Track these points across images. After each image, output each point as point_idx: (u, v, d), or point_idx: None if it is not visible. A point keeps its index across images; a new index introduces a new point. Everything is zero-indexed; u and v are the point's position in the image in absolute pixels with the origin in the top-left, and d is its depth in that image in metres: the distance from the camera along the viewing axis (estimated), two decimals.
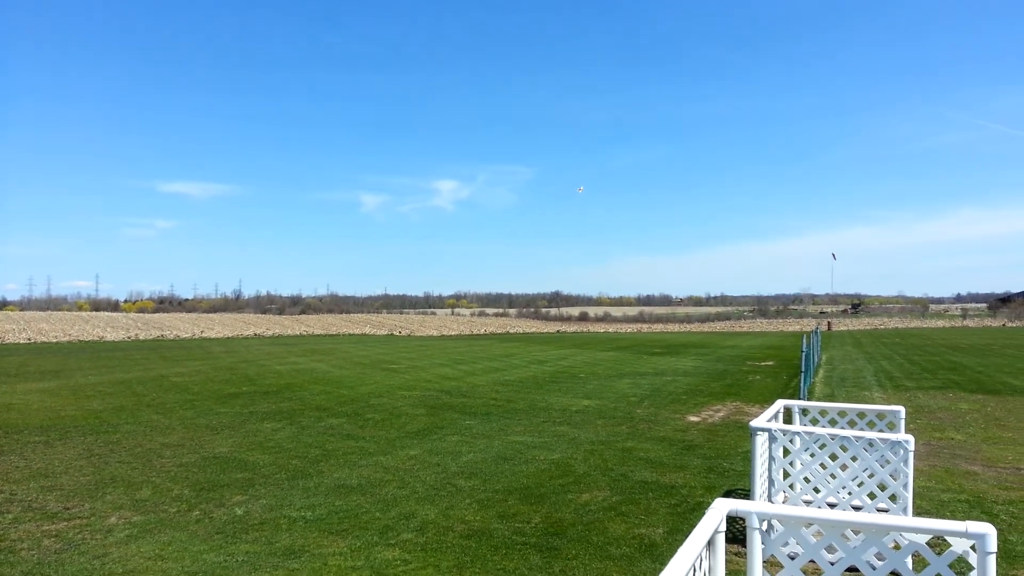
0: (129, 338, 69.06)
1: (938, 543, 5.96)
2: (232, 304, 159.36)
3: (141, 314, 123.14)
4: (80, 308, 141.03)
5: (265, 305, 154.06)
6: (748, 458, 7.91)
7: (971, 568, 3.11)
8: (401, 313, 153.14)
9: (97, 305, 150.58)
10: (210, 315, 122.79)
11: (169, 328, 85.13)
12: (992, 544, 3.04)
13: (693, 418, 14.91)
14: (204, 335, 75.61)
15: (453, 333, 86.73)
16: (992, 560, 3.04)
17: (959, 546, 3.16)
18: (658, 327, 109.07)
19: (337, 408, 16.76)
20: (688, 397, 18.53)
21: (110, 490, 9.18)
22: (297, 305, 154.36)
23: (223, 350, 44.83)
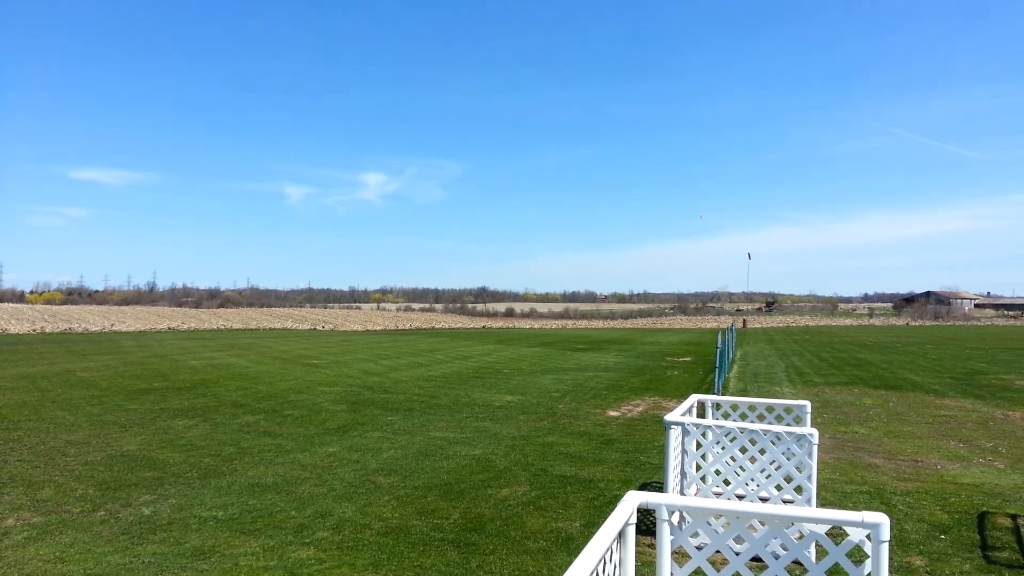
0: (34, 331, 65.67)
1: (838, 533, 6.22)
2: (145, 296, 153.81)
3: (48, 306, 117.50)
4: None
5: (181, 298, 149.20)
6: (664, 452, 8.08)
7: (866, 556, 3.24)
8: (325, 307, 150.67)
9: (1, 296, 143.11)
10: (122, 308, 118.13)
11: (78, 321, 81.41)
12: (885, 533, 3.18)
13: (613, 413, 15.15)
14: (115, 328, 72.56)
15: (378, 328, 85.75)
16: (885, 548, 3.18)
17: (856, 535, 3.29)
18: (583, 323, 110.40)
19: (254, 405, 16.34)
20: (609, 392, 18.81)
21: (8, 490, 8.71)
22: (215, 298, 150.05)
23: (135, 344, 43.14)
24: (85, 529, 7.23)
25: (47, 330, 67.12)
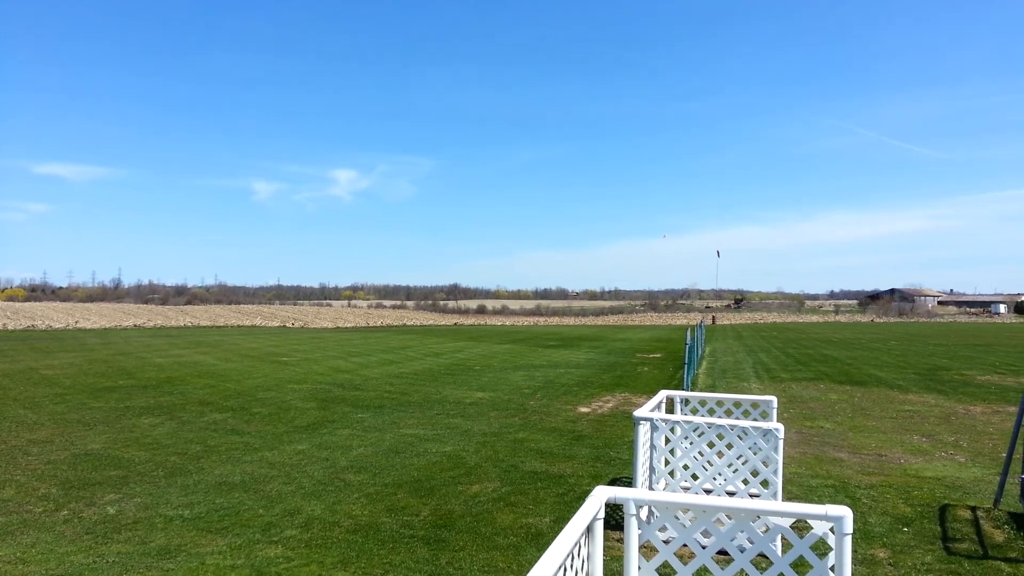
0: None
1: (803, 526, 6.32)
2: (111, 293, 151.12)
3: (10, 303, 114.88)
4: None
5: (147, 295, 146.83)
6: (633, 447, 8.13)
7: (830, 549, 3.28)
8: (295, 304, 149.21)
9: None
10: (86, 304, 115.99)
11: (41, 318, 79.78)
12: (848, 526, 3.22)
13: (583, 409, 15.21)
14: (79, 326, 71.22)
15: (349, 325, 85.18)
16: (848, 540, 3.22)
17: (819, 528, 3.33)
18: (554, 320, 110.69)
19: (222, 402, 16.15)
20: (579, 388, 18.89)
21: None
22: (182, 295, 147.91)
23: (99, 342, 42.40)
24: (48, 529, 7.10)
25: (9, 327, 65.68)
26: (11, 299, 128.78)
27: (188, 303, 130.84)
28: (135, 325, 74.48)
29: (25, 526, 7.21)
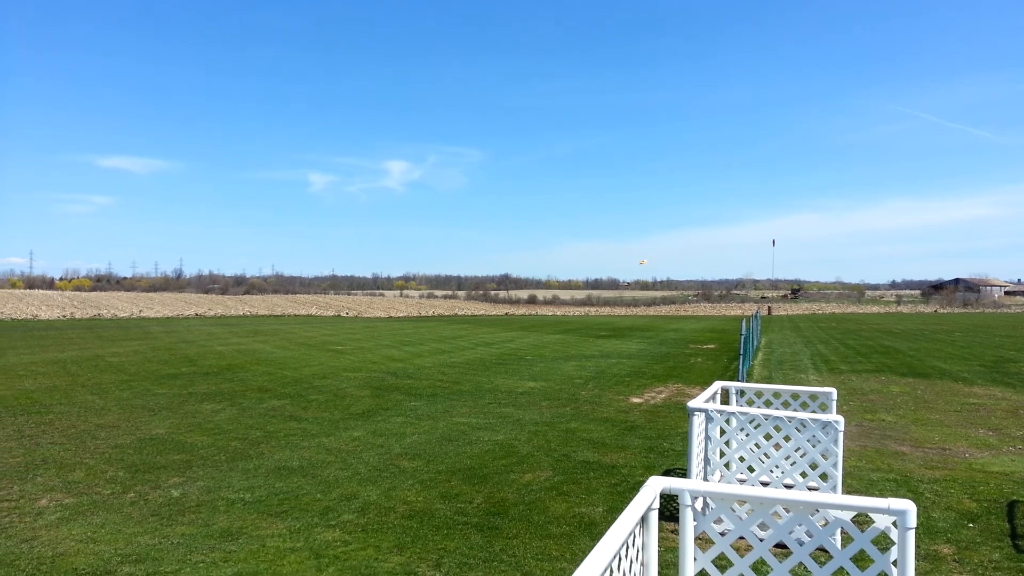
0: (64, 317, 66.80)
1: (863, 520, 6.18)
2: (173, 283, 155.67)
3: (77, 292, 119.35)
4: (13, 285, 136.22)
5: (207, 285, 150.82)
6: (687, 438, 8.06)
7: (893, 543, 3.21)
8: (349, 294, 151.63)
9: (31, 282, 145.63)
10: (149, 294, 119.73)
11: (106, 307, 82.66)
12: (912, 520, 3.15)
13: (636, 400, 15.12)
14: (143, 315, 73.57)
15: (401, 315, 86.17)
16: (911, 535, 3.15)
17: (881, 522, 3.26)
18: (605, 311, 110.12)
19: (280, 389, 16.52)
20: (631, 379, 18.78)
21: (41, 472, 8.90)
22: (241, 285, 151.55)
23: (162, 330, 43.73)
24: (116, 510, 7.37)
25: (76, 316, 68.23)
26: (78, 289, 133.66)
27: (246, 292, 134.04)
28: (196, 314, 76.60)
29: (95, 507, 7.50)
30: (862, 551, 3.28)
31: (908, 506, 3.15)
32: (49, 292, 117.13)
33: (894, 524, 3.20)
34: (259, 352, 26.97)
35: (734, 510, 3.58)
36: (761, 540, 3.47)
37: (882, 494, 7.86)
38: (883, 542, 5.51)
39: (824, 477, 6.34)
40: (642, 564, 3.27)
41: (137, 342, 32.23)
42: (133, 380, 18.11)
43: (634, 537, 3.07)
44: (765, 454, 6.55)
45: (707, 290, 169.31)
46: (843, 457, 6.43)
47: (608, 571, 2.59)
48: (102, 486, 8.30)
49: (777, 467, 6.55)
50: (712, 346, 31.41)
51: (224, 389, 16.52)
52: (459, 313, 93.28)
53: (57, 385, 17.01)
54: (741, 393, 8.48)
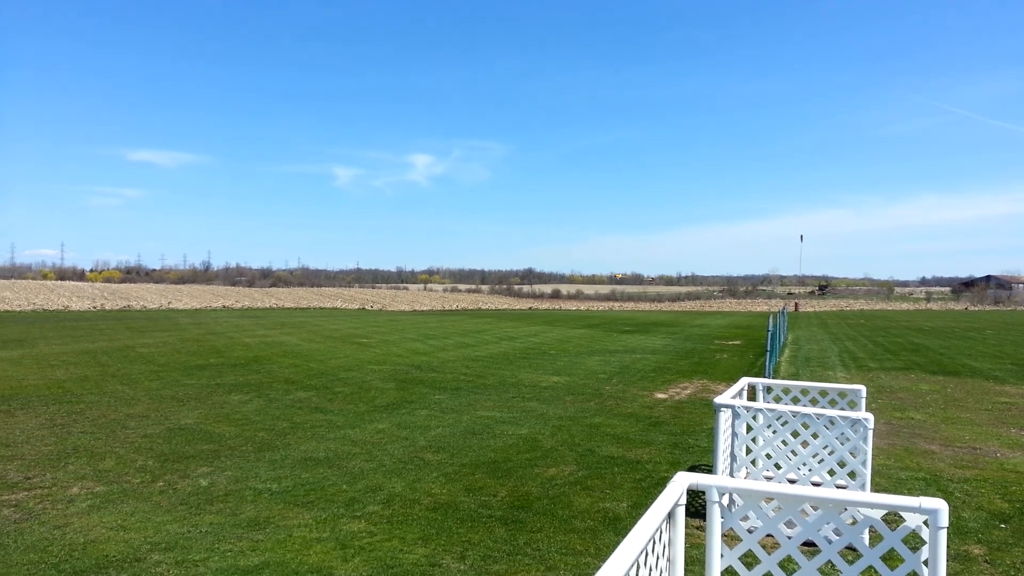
0: (95, 308, 67.92)
1: (893, 519, 6.10)
2: (201, 275, 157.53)
3: (107, 284, 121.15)
4: (45, 277, 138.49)
5: (235, 277, 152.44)
6: (713, 434, 8.01)
7: (923, 542, 3.17)
8: (373, 288, 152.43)
9: (62, 274, 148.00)
10: (178, 286, 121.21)
11: (136, 298, 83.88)
12: (944, 519, 3.10)
13: (660, 395, 15.06)
14: (171, 306, 74.59)
15: (425, 308, 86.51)
16: (943, 535, 3.10)
17: (912, 521, 3.22)
18: (629, 306, 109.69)
19: (306, 381, 16.67)
20: (656, 375, 18.69)
21: (72, 460, 9.06)
22: (268, 278, 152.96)
23: (191, 321, 44.29)
24: (145, 499, 7.49)
25: (106, 307, 69.33)
26: (108, 280, 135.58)
27: (273, 285, 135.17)
28: (224, 306, 77.49)
29: (125, 495, 7.62)
30: (892, 550, 3.24)
31: (940, 505, 3.10)
32: (80, 283, 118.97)
33: (925, 523, 3.15)
34: (285, 344, 27.22)
35: (761, 507, 3.55)
36: (789, 538, 3.44)
37: (911, 493, 7.76)
38: (913, 541, 5.44)
39: (852, 475, 6.27)
40: (668, 560, 3.25)
41: (166, 333, 32.67)
42: (162, 371, 18.36)
43: (661, 532, 3.06)
44: (792, 451, 6.49)
45: (732, 286, 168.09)
46: (872, 455, 6.36)
47: (635, 566, 2.58)
48: (132, 475, 8.43)
49: (804, 464, 6.49)
50: (738, 342, 31.18)
51: (251, 380, 16.70)
52: (483, 307, 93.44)
53: (88, 375, 17.30)
54: (768, 390, 8.40)
